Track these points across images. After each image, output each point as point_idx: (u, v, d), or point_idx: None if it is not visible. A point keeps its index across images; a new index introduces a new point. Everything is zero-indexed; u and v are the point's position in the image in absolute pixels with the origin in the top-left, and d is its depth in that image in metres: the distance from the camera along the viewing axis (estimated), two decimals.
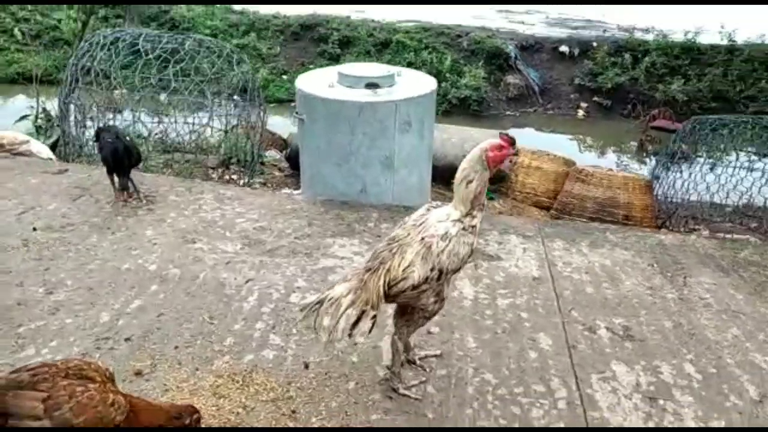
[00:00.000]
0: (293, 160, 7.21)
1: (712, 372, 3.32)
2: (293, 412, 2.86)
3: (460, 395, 3.05)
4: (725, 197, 6.47)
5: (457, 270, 2.81)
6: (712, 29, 15.59)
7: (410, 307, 2.88)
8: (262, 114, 6.94)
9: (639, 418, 2.96)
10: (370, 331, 2.91)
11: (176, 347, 3.23)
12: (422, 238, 2.75)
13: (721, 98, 14.42)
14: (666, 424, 2.94)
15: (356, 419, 2.85)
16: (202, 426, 2.48)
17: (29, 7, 15.90)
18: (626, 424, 2.91)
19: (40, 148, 6.43)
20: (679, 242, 4.89)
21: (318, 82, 5.27)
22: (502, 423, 2.89)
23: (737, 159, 6.97)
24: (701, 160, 6.68)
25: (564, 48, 16.32)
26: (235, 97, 7.25)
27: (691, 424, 2.94)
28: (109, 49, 6.29)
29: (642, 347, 3.49)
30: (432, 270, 2.71)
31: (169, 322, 3.42)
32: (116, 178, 4.70)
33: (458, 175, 2.77)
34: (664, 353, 3.45)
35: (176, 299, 3.64)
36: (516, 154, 2.86)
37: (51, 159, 6.28)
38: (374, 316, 2.81)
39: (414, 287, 2.73)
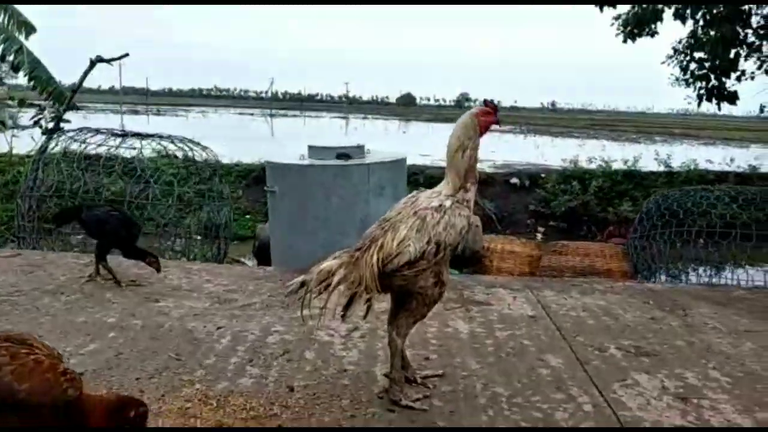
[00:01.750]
0: (261, 253, 6.95)
1: (740, 375, 3.03)
2: (279, 426, 2.40)
3: (471, 405, 2.65)
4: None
5: (455, 246, 2.58)
6: (649, 156, 16.82)
7: (408, 293, 2.58)
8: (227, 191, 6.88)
9: (675, 414, 2.61)
10: (365, 316, 2.58)
11: (138, 378, 2.77)
12: (415, 212, 2.55)
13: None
14: (706, 417, 2.59)
15: None
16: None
17: None
18: (663, 421, 2.55)
19: None
20: (668, 288, 4.74)
21: (288, 157, 5.26)
22: (524, 426, 2.49)
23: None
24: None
25: (515, 180, 17.12)
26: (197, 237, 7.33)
27: (736, 417, 2.60)
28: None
29: (659, 361, 3.19)
30: (428, 243, 2.47)
31: (129, 359, 2.97)
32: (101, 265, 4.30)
33: (452, 145, 2.66)
34: (684, 363, 3.15)
35: (138, 343, 3.20)
36: (499, 123, 2.78)
37: None
38: (369, 299, 2.51)
39: (410, 264, 2.47)
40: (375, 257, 2.47)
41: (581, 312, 3.98)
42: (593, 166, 17.33)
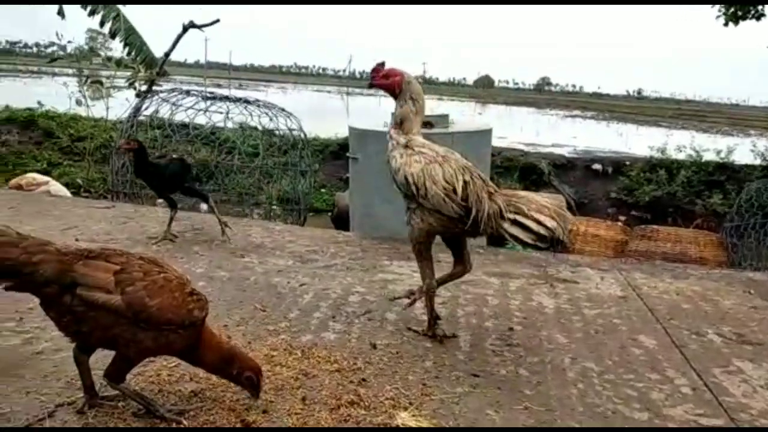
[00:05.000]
0: (339, 221, 7.00)
1: None
2: (363, 380, 2.39)
3: (559, 378, 2.55)
4: None
5: None
6: (744, 149, 15.75)
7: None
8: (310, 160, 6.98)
9: None
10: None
11: (225, 326, 2.83)
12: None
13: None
14: None
15: (438, 391, 2.35)
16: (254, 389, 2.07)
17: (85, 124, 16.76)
18: None
19: (59, 188, 6.55)
20: None
21: (371, 123, 5.23)
22: (617, 402, 2.36)
23: None
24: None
25: (597, 166, 16.47)
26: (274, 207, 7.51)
27: None
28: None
29: (765, 350, 2.96)
30: None
31: (217, 308, 3.03)
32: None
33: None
34: None
35: (225, 293, 3.28)
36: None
37: (69, 197, 6.34)
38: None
39: None
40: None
41: (675, 296, 3.76)
42: (682, 155, 16.43)
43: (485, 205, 2.60)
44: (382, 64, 2.93)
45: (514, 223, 2.57)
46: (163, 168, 4.22)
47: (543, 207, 2.58)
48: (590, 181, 16.23)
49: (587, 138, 23.86)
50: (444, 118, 5.12)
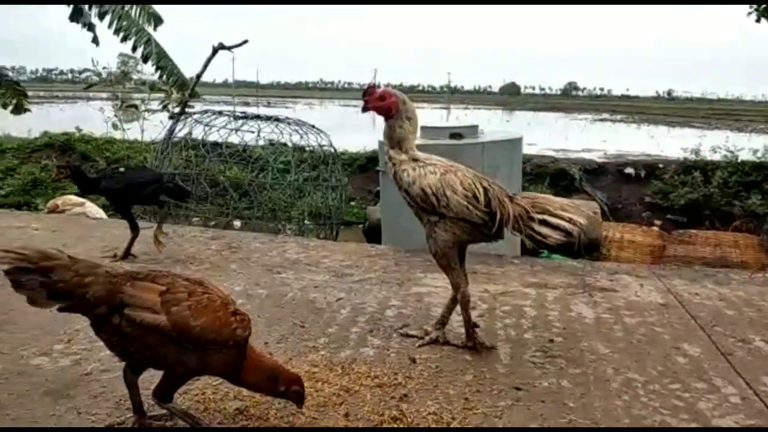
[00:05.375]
0: (370, 233, 7.04)
1: None
2: (405, 396, 2.39)
3: (603, 389, 2.51)
4: None
5: None
6: None
7: None
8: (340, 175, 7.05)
9: None
10: None
11: (266, 343, 2.86)
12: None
13: None
14: None
15: (480, 405, 2.34)
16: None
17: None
18: None
19: (95, 210, 6.75)
20: None
21: None
22: (664, 413, 2.32)
23: None
24: None
25: (629, 170, 16.21)
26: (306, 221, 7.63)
27: None
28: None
29: None
30: None
31: (257, 325, 3.04)
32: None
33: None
34: None
35: (264, 310, 3.32)
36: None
37: (105, 218, 6.51)
38: None
39: None
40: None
41: (717, 302, 3.68)
42: (717, 156, 16.07)
43: (509, 208, 2.65)
44: (375, 86, 2.87)
45: (543, 223, 2.63)
46: (109, 181, 4.21)
47: (566, 205, 2.68)
48: (623, 186, 15.98)
49: (618, 141, 23.54)
50: (473, 129, 5.12)
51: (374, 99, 2.82)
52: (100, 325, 1.96)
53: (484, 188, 2.68)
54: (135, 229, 4.26)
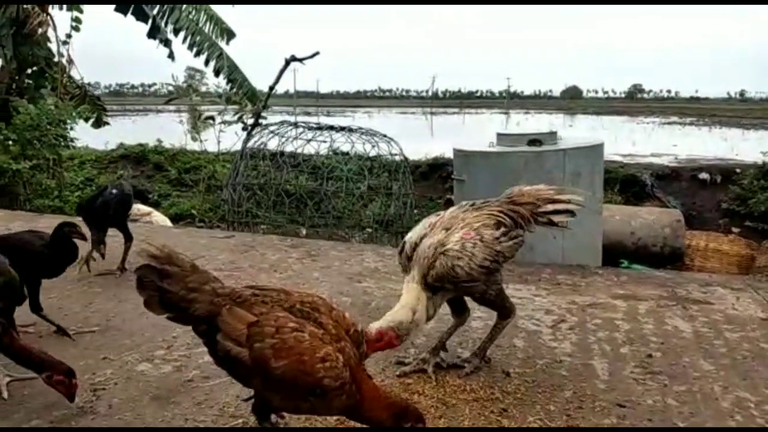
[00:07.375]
0: None
1: None
2: (504, 410, 2.35)
3: (713, 408, 2.40)
4: None
5: None
6: None
7: None
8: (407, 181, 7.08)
9: None
10: None
11: None
12: None
13: None
14: None
15: (584, 422, 2.28)
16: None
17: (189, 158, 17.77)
18: None
19: (161, 218, 7.07)
20: None
21: (475, 145, 5.20)
22: None
23: None
24: None
25: (704, 175, 15.54)
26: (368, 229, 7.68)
27: None
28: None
29: None
30: None
31: None
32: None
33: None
34: None
35: None
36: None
37: (170, 226, 6.79)
38: None
39: None
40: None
41: None
42: None
43: (523, 211, 2.73)
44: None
45: (556, 211, 2.76)
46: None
47: (553, 191, 2.83)
48: (697, 192, 15.32)
49: (689, 145, 22.63)
50: (552, 135, 5.02)
51: (375, 347, 2.40)
52: (203, 340, 1.95)
53: (498, 222, 2.68)
54: (101, 242, 3.98)
